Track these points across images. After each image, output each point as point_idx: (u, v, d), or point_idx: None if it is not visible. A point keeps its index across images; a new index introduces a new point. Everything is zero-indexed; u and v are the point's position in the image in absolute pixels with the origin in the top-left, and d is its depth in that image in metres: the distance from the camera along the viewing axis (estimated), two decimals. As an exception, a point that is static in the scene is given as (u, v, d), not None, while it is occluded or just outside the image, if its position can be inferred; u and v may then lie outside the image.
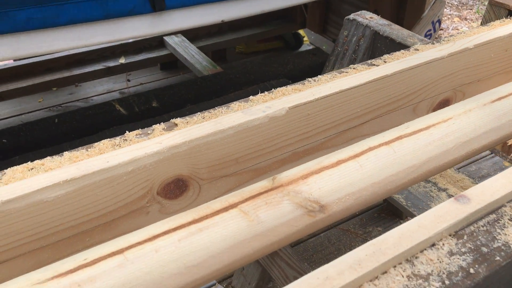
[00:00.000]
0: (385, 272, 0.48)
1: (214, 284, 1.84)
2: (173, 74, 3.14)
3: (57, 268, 0.46)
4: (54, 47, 1.37)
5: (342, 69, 0.80)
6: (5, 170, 0.59)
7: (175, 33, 2.88)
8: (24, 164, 0.60)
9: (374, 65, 0.81)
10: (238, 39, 3.03)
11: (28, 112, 2.71)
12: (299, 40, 3.35)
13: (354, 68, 0.80)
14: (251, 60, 3.11)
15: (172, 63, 3.14)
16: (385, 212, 2.12)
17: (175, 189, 0.66)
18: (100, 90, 2.96)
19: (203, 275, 0.50)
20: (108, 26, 1.36)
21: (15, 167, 0.60)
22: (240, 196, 0.56)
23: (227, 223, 0.52)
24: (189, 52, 2.73)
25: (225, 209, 0.54)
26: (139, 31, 1.42)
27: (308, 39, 3.48)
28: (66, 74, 2.64)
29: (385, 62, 0.82)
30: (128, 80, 3.06)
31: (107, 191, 0.60)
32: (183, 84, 2.36)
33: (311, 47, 3.34)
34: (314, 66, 2.53)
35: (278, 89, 0.75)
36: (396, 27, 1.35)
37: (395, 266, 0.48)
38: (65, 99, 2.86)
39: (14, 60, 3.03)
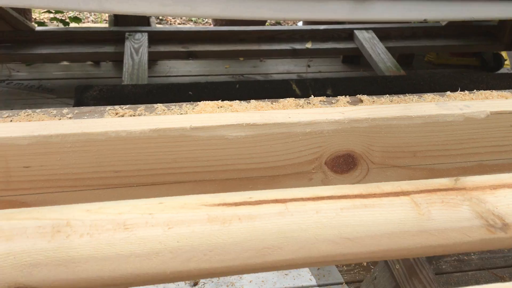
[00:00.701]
0: None
1: (342, 283, 1.80)
2: (353, 69, 3.11)
3: (225, 198, 0.49)
4: (255, 14, 1.45)
5: None
6: (198, 102, 0.64)
7: (366, 28, 2.83)
8: (215, 102, 0.65)
9: None
10: (431, 47, 2.86)
11: (214, 75, 2.95)
12: (499, 62, 3.03)
13: None
14: (439, 71, 2.92)
15: (355, 57, 3.11)
16: (554, 273, 1.82)
17: (343, 164, 0.65)
18: (280, 69, 3.07)
19: (356, 252, 0.48)
20: (309, 3, 1.39)
21: (207, 102, 0.64)
22: (414, 186, 0.52)
23: (394, 208, 0.49)
24: (376, 50, 2.67)
25: (396, 194, 0.51)
26: (338, 14, 1.42)
27: (509, 63, 3.13)
28: (255, 47, 2.79)
29: None
30: (308, 66, 3.12)
31: (281, 145, 0.61)
32: (362, 79, 2.32)
33: (510, 72, 3.00)
34: None
35: (481, 91, 0.67)
36: None
37: None
38: (248, 70, 3.04)
39: (214, 25, 3.31)
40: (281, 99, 0.65)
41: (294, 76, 3.01)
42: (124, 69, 2.35)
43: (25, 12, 2.81)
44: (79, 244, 0.43)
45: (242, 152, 0.61)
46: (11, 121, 0.57)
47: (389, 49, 2.72)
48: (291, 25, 3.76)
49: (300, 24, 3.57)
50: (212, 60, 3.06)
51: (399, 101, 0.65)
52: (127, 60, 2.42)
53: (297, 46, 2.81)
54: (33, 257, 0.42)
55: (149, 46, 2.55)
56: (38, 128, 0.55)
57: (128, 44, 2.53)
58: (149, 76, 2.50)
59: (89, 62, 2.91)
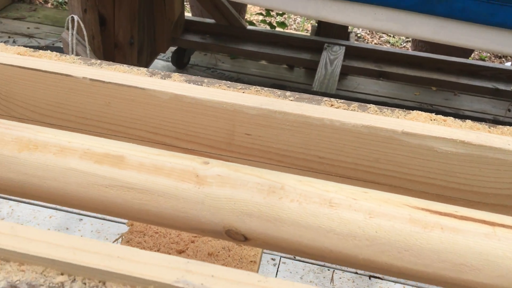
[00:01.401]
0: None
1: None
2: None
3: (429, 204, 0.48)
4: (470, 42, 1.38)
5: None
6: (411, 111, 0.65)
7: None
8: (428, 113, 0.64)
9: None
10: None
11: (401, 99, 2.88)
12: None
13: None
14: None
15: None
16: None
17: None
18: (475, 108, 2.86)
19: None
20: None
21: (420, 112, 0.64)
22: None
23: None
24: None
25: None
26: None
27: None
28: (452, 79, 2.65)
29: None
30: (509, 110, 2.84)
31: (492, 171, 0.58)
32: None
33: None
34: None
35: None
36: None
37: None
38: (438, 102, 2.90)
39: (413, 50, 3.23)
40: (501, 126, 0.62)
41: (489, 118, 2.77)
42: (316, 77, 2.45)
43: (240, 11, 3.12)
44: (288, 207, 0.47)
45: (447, 169, 0.59)
46: (243, 92, 0.65)
47: None
48: (497, 63, 3.47)
49: (508, 64, 3.28)
50: (402, 84, 3.00)
51: None
52: (320, 69, 2.51)
53: (501, 86, 2.59)
54: (249, 207, 0.48)
55: (343, 60, 2.61)
56: (266, 102, 0.61)
57: (324, 54, 2.62)
58: (337, 89, 2.56)
59: (284, 66, 3.09)
